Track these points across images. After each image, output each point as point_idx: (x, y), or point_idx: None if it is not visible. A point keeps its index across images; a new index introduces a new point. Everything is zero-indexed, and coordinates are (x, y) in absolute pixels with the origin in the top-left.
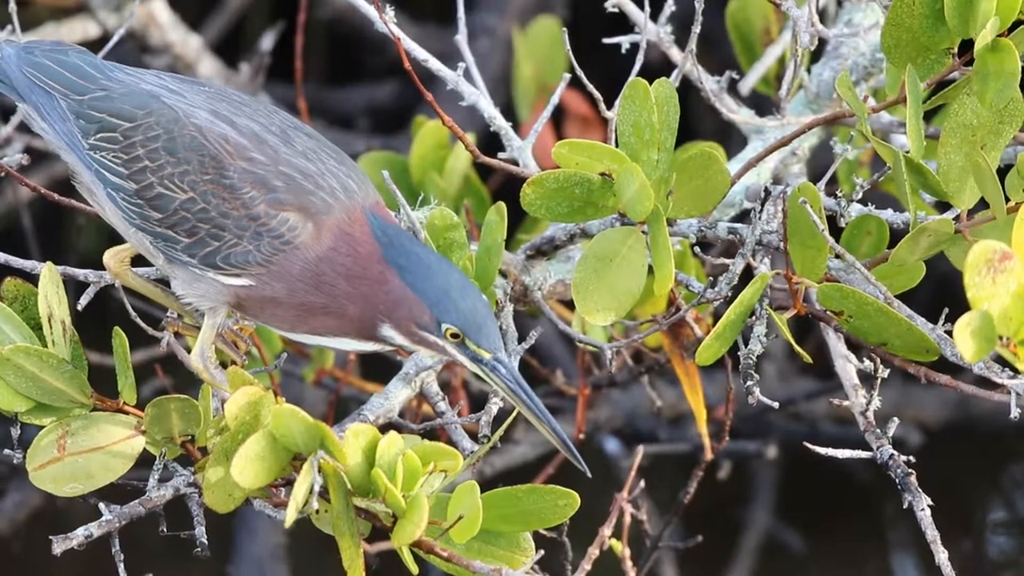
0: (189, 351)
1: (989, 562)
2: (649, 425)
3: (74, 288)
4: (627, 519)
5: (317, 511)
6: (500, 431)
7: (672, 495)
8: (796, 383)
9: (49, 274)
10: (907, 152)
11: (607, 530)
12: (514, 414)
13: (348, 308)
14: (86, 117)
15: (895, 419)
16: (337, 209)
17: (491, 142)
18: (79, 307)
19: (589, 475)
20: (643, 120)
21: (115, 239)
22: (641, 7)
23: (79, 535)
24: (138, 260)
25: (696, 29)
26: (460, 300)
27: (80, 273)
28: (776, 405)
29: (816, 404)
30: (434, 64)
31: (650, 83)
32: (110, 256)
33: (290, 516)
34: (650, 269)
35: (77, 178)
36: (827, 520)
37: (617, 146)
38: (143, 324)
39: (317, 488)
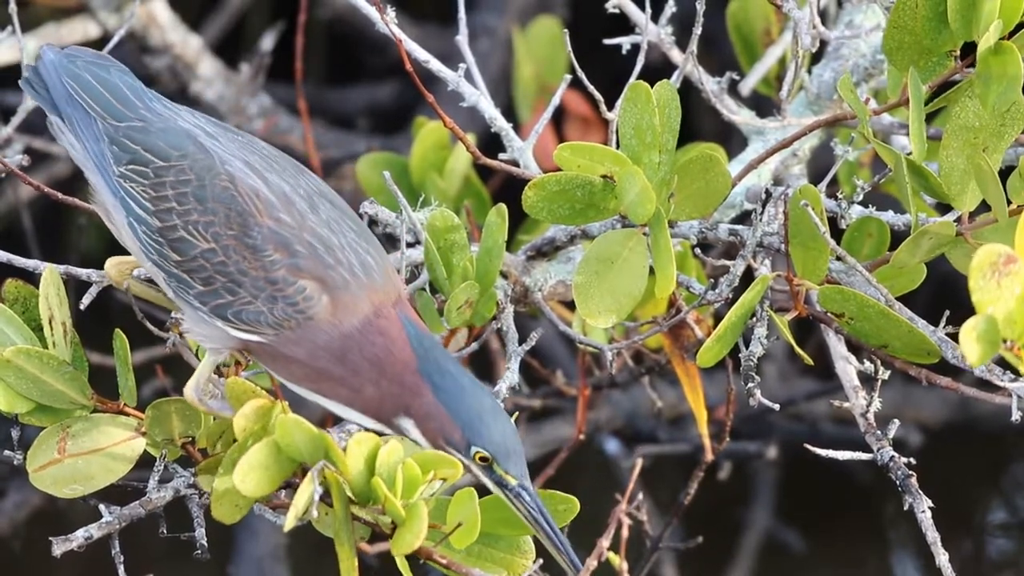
0: (193, 351)
1: (990, 562)
2: (649, 426)
3: (75, 287)
4: (625, 532)
5: (316, 517)
6: None
7: (672, 496)
8: (796, 383)
9: (50, 276)
10: (908, 154)
11: (605, 541)
12: (513, 418)
13: (367, 389)
14: (120, 145)
15: (895, 421)
16: (354, 286)
17: (491, 143)
18: (81, 306)
19: None
20: (645, 123)
21: (114, 240)
22: (642, 8)
23: (79, 537)
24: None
25: (697, 31)
26: (492, 425)
27: (83, 272)
28: (777, 407)
29: (816, 404)
30: (435, 65)
31: (651, 83)
32: (112, 266)
33: (289, 522)
34: (651, 270)
35: (97, 197)
36: (827, 520)
37: (618, 147)
38: (149, 325)
39: (317, 498)
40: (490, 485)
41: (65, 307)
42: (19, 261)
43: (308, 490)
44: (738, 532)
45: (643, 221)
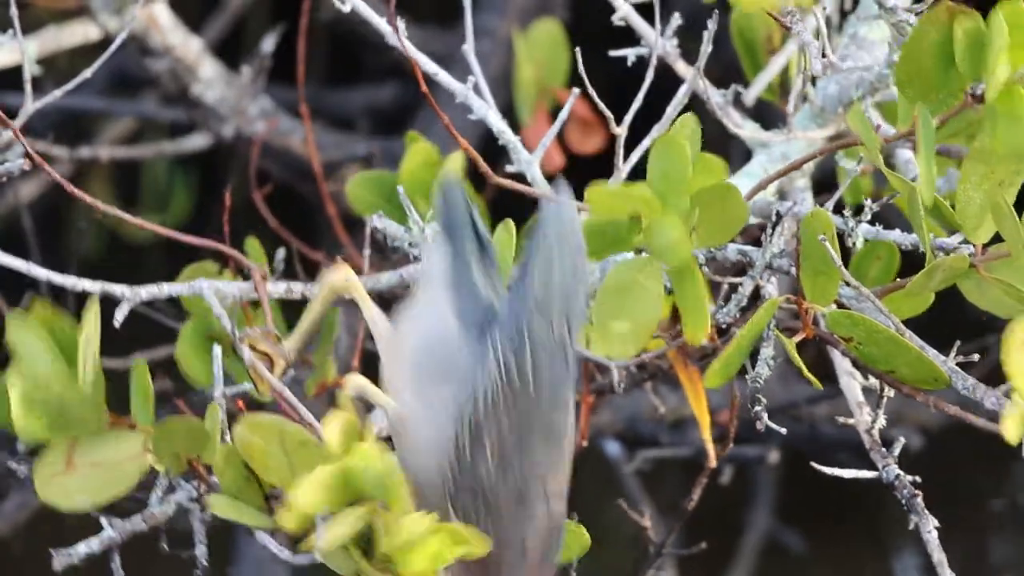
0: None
1: (990, 564)
2: (651, 429)
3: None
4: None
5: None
6: None
7: (674, 498)
8: (797, 386)
9: (92, 315)
10: (914, 179)
11: None
12: None
13: None
14: (515, 348)
15: (901, 439)
16: None
17: (488, 149)
18: (116, 323)
19: None
20: (675, 172)
21: (114, 242)
22: (649, 21)
23: (80, 551)
24: None
25: (708, 48)
26: None
27: (117, 290)
28: (784, 431)
29: (817, 406)
30: (444, 77)
31: (652, 87)
32: (344, 275)
33: (299, 548)
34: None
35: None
36: (829, 522)
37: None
38: (234, 338)
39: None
40: None
41: (97, 340)
42: (85, 284)
43: (339, 530)
44: (738, 534)
45: (675, 265)
